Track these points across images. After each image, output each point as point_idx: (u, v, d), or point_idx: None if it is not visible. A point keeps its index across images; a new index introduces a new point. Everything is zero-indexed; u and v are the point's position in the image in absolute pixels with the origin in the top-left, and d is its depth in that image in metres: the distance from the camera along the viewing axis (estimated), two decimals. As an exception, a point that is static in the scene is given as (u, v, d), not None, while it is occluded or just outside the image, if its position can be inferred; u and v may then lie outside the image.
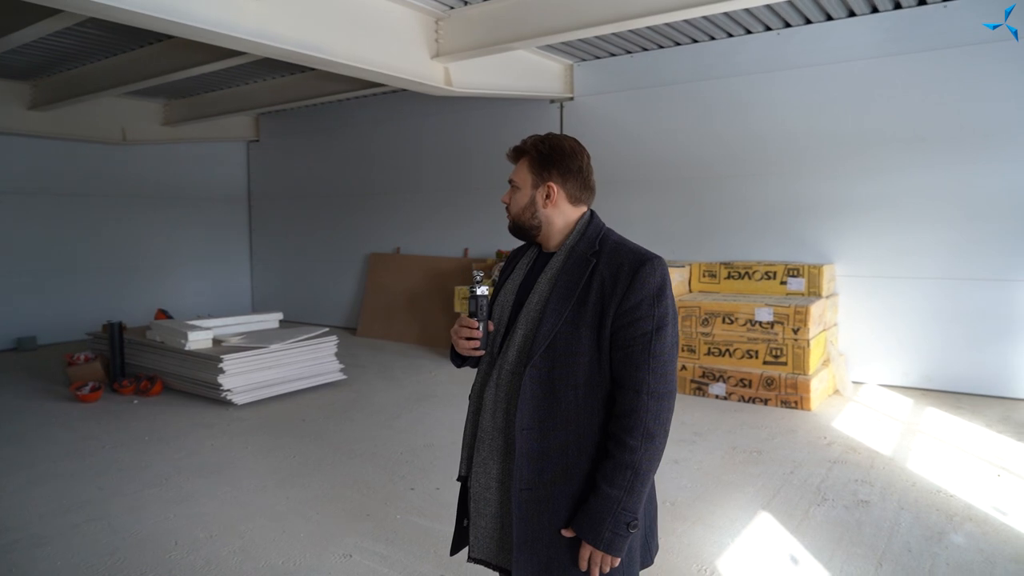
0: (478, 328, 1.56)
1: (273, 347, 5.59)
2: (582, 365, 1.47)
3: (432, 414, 5.25)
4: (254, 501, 3.63)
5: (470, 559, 1.60)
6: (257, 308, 10.39)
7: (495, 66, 6.44)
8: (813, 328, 5.23)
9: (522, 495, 1.48)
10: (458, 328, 1.59)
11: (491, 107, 7.78)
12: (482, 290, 1.56)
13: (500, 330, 1.60)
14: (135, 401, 5.65)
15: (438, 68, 5.86)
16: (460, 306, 6.98)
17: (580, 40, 6.42)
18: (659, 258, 1.51)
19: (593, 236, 1.58)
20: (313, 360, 5.91)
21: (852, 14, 5.76)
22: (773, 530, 3.22)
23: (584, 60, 7.23)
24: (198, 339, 5.58)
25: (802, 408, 5.15)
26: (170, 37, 6.12)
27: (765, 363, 5.35)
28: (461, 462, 1.67)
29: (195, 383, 5.54)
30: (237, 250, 10.59)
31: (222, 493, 3.74)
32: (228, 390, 5.28)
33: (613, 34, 6.23)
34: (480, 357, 1.63)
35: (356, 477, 3.97)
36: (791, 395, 5.21)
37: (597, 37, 6.28)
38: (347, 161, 9.40)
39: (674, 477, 3.88)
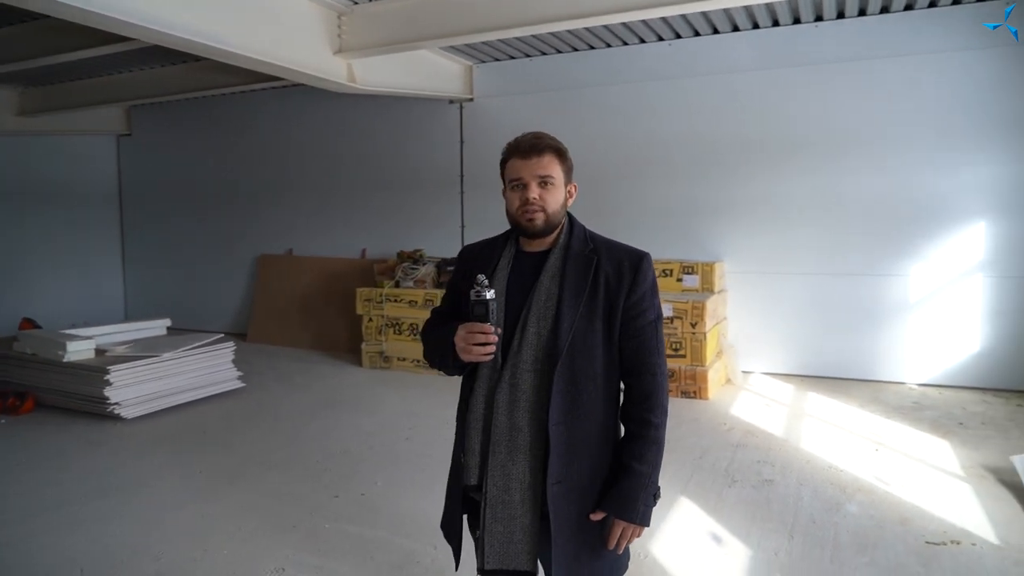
0: (493, 333, 1.53)
1: (166, 356, 5.22)
2: (598, 357, 1.56)
3: (343, 419, 5.11)
4: (165, 520, 3.39)
5: (485, 572, 1.57)
6: (131, 314, 9.63)
7: (398, 65, 6.35)
8: (708, 322, 5.57)
9: (553, 489, 1.51)
10: (468, 335, 1.54)
11: (390, 106, 7.66)
12: (491, 294, 1.54)
13: (506, 334, 1.59)
14: (2, 421, 5.09)
15: (341, 64, 5.71)
16: (362, 308, 6.83)
17: (481, 42, 6.48)
18: (649, 254, 1.64)
19: (582, 235, 1.66)
20: (209, 368, 5.58)
21: (736, 29, 6.19)
22: (693, 512, 3.42)
23: (483, 62, 7.29)
24: (78, 349, 5.11)
25: (700, 397, 5.48)
26: (35, 18, 5.57)
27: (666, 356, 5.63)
28: (465, 471, 1.63)
29: (76, 398, 5.07)
30: (107, 252, 9.76)
31: (127, 514, 3.47)
32: (116, 404, 4.88)
33: (514, 37, 6.32)
34: (476, 362, 1.60)
35: (274, 487, 3.80)
36: (690, 386, 5.52)
37: (499, 40, 6.36)
38: (233, 159, 8.92)
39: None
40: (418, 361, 6.54)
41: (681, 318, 5.58)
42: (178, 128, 9.28)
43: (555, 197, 1.60)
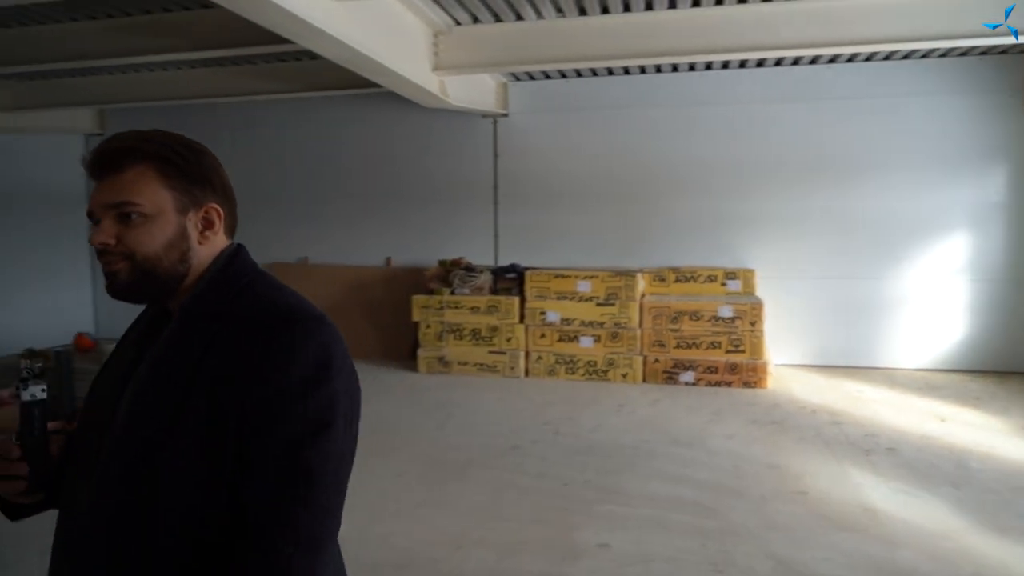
0: (20, 457, 1.02)
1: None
2: (182, 507, 0.95)
3: (466, 417, 5.37)
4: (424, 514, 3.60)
5: None
6: (103, 328, 8.95)
7: (458, 82, 6.63)
8: (765, 320, 6.39)
9: None
10: None
11: (420, 116, 7.83)
12: (34, 392, 1.03)
13: (85, 450, 1.05)
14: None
15: (435, 80, 5.93)
16: (419, 314, 6.99)
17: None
18: (318, 318, 1.03)
19: (230, 284, 1.07)
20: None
21: (760, 64, 7.11)
22: (867, 479, 4.13)
23: (519, 80, 7.70)
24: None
25: (760, 387, 6.27)
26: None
27: (727, 352, 6.38)
28: None
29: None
30: (73, 261, 8.98)
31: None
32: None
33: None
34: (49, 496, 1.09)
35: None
36: (751, 377, 6.30)
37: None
38: (230, 165, 8.56)
39: (762, 448, 4.64)
40: (481, 365, 6.83)
41: (740, 318, 6.35)
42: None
43: (151, 234, 1.03)
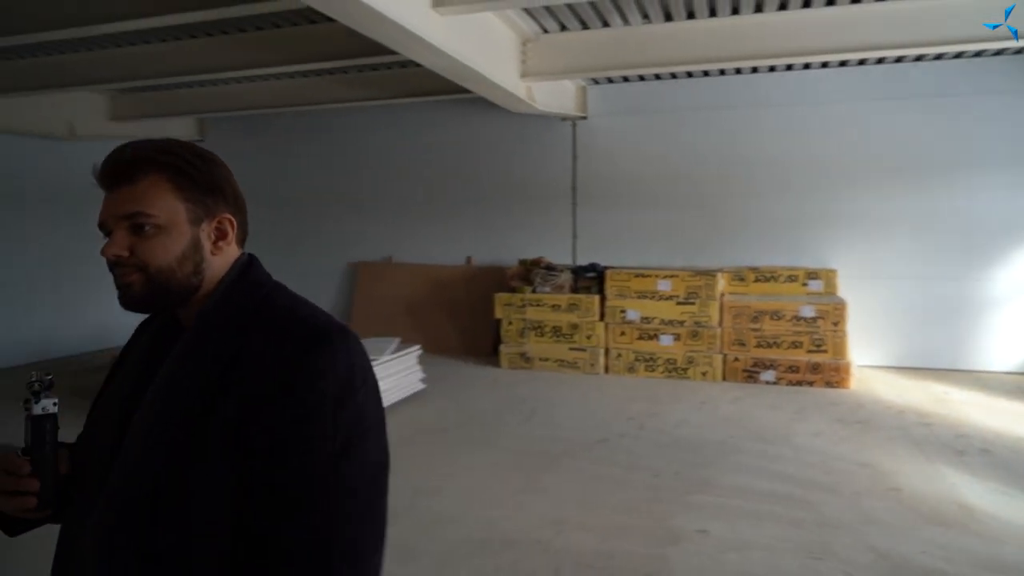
0: (31, 473, 1.00)
1: (383, 358, 5.51)
2: (207, 530, 0.92)
3: (551, 411, 5.57)
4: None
5: None
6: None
7: (543, 85, 6.84)
8: (848, 321, 6.38)
9: None
10: None
11: (500, 119, 8.07)
12: (45, 406, 1.02)
13: (90, 467, 1.03)
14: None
15: (522, 86, 6.16)
16: (501, 312, 7.24)
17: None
18: (344, 332, 1.03)
19: (248, 296, 1.07)
20: (405, 371, 5.89)
21: (844, 63, 7.06)
22: (962, 480, 4.13)
23: (598, 83, 7.86)
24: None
25: (842, 387, 6.26)
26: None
27: (809, 352, 6.39)
28: None
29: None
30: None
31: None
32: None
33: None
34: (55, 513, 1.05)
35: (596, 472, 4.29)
36: (834, 377, 6.29)
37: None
38: (318, 168, 9.06)
39: (850, 446, 4.69)
40: (562, 361, 7.03)
41: (823, 318, 6.35)
42: (253, 138, 9.31)
43: (164, 246, 1.02)
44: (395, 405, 5.65)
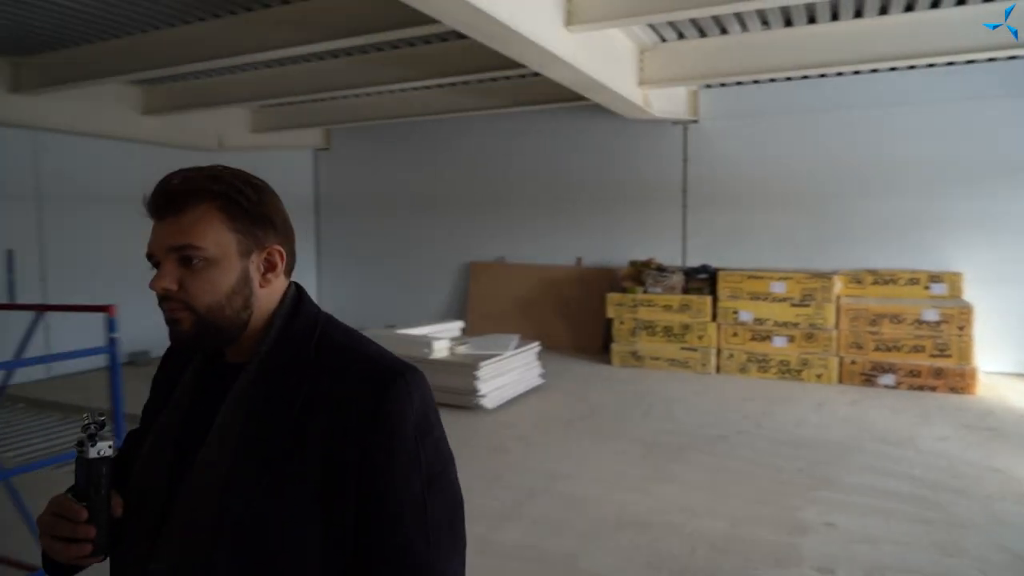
0: (88, 519, 0.96)
1: (508, 353, 5.89)
2: (298, 567, 0.94)
3: (669, 407, 5.79)
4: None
5: None
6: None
7: (657, 91, 7.04)
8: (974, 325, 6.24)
9: None
10: (52, 521, 0.98)
11: (612, 124, 8.31)
12: (99, 449, 0.98)
13: (142, 509, 1.01)
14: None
15: (639, 93, 6.40)
16: (613, 311, 7.49)
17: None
18: (413, 369, 1.02)
19: (306, 332, 1.05)
20: (526, 366, 6.24)
21: (971, 61, 6.87)
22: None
23: (709, 87, 7.97)
24: (440, 348, 5.79)
25: (968, 393, 6.13)
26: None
27: (931, 356, 6.30)
28: None
29: (442, 391, 5.73)
30: (301, 257, 10.41)
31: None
32: (483, 395, 5.55)
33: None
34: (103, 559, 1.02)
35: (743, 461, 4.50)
36: (958, 382, 6.17)
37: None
38: (435, 174, 9.60)
39: (979, 451, 4.67)
40: (673, 360, 7.21)
41: (947, 322, 6.24)
42: (375, 146, 9.96)
43: (213, 282, 1.00)
44: (519, 398, 6.02)
